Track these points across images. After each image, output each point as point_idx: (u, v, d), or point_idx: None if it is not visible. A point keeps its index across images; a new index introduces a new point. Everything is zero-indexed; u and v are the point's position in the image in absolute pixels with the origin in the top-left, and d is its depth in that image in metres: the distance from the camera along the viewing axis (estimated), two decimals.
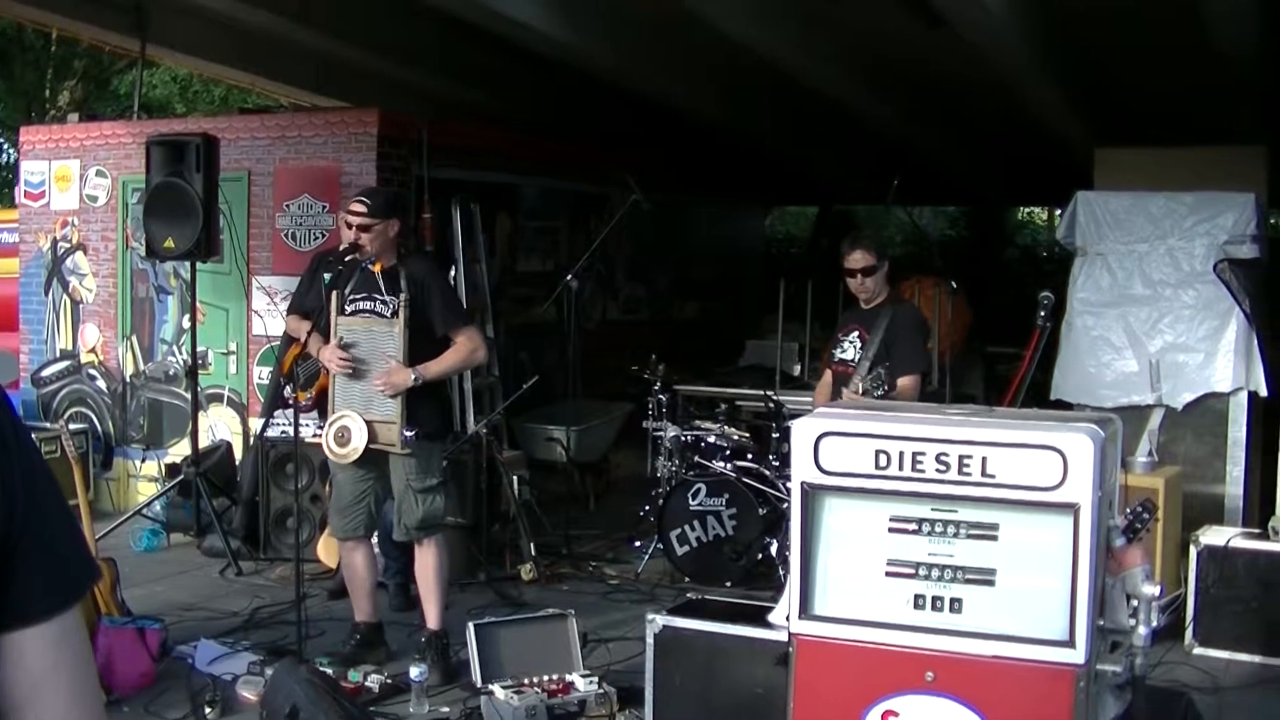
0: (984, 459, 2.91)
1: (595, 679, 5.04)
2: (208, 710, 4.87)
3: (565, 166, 10.42)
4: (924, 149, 11.57)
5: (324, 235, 8.13)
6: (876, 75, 9.22)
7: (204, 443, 8.20)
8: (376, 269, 5.35)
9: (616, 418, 9.49)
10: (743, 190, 14.14)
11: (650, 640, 4.38)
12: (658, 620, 4.40)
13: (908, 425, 3.03)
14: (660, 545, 7.10)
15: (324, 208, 8.20)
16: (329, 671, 5.03)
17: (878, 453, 3.00)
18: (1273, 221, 9.92)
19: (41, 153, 9.34)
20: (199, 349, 8.20)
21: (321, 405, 5.60)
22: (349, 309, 5.38)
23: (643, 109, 10.67)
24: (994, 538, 2.94)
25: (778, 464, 6.91)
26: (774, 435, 7.12)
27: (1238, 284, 6.73)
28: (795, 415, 3.59)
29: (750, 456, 7.20)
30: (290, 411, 5.61)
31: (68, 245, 9.20)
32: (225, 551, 7.32)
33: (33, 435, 1.33)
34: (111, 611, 5.33)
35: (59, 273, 9.25)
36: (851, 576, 3.07)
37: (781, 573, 5.98)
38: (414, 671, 5.02)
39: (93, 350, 9.15)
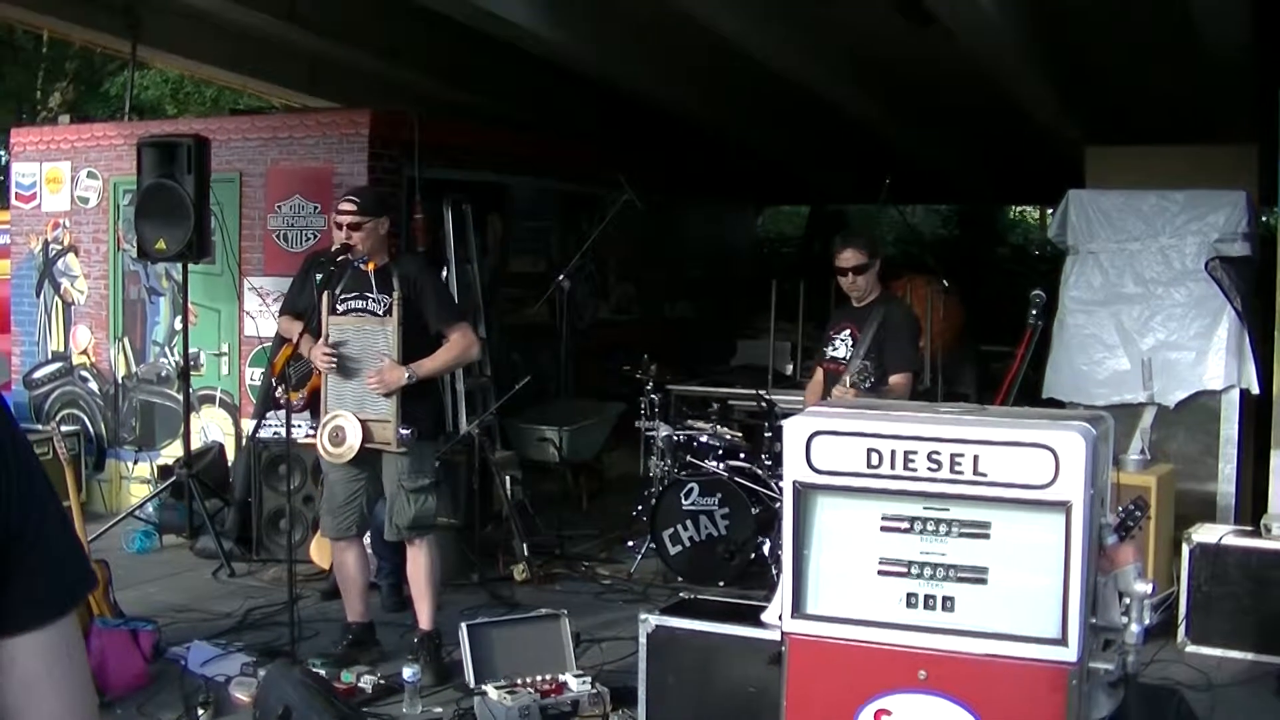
0: (976, 457, 2.91)
1: (588, 679, 5.04)
2: (201, 712, 4.86)
3: (557, 166, 10.42)
4: (916, 148, 11.57)
5: (316, 236, 8.12)
6: (867, 74, 9.23)
7: (196, 444, 8.17)
8: (369, 268, 5.34)
9: (609, 417, 9.48)
10: (735, 190, 14.14)
11: (643, 640, 4.38)
12: (651, 620, 4.40)
13: (899, 424, 3.03)
14: (653, 545, 7.10)
15: (316, 209, 8.18)
16: (322, 672, 5.03)
17: (869, 451, 3.00)
18: (1264, 219, 9.92)
19: (32, 154, 9.32)
20: (191, 350, 8.18)
21: (314, 406, 5.59)
22: (340, 308, 5.37)
23: (634, 109, 10.67)
24: (986, 536, 2.95)
25: (770, 463, 6.91)
26: (766, 434, 7.12)
27: (1229, 282, 6.75)
28: (787, 414, 3.58)
29: (743, 456, 7.20)
30: (283, 413, 5.60)
31: (59, 247, 9.18)
32: (218, 553, 7.30)
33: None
34: (104, 613, 5.33)
35: (50, 274, 9.23)
36: (844, 575, 3.08)
37: (774, 572, 5.98)
38: (407, 672, 5.02)
39: (85, 352, 9.13)
